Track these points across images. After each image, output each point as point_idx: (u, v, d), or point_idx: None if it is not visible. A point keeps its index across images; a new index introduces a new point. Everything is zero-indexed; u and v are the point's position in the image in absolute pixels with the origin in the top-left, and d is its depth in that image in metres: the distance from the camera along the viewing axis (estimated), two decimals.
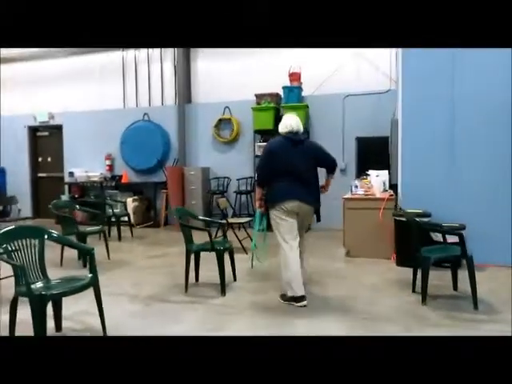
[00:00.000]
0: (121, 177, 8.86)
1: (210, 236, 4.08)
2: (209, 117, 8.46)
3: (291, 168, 3.63)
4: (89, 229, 5.52)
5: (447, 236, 4.48)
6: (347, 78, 7.65)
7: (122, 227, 7.07)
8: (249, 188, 8.09)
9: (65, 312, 3.24)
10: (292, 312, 3.57)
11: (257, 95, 7.84)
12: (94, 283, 3.03)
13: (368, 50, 7.40)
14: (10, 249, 2.89)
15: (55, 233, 3.17)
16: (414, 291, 4.01)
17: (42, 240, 3.09)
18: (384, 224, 5.29)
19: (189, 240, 4.24)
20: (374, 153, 7.05)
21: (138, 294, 4.16)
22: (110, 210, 7.04)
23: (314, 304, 3.77)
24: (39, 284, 2.93)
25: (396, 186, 6.36)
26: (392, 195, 5.50)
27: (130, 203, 8.23)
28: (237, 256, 4.65)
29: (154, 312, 3.67)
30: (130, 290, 4.32)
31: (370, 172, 6.22)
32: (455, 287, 4.03)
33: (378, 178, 6.11)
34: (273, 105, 7.67)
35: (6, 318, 2.87)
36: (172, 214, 8.31)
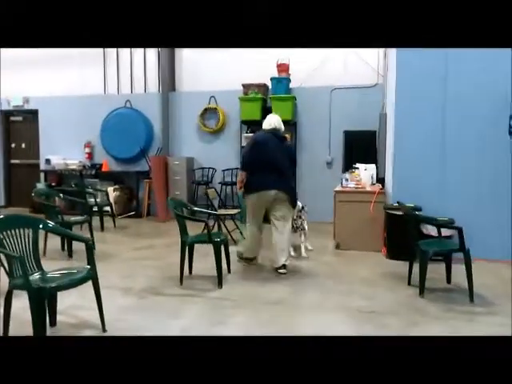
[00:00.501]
0: (101, 165, 8.56)
1: (208, 228, 3.99)
2: (194, 106, 8.27)
3: (272, 159, 4.23)
4: (73, 218, 5.30)
5: (431, 230, 4.59)
6: (334, 71, 7.64)
7: (103, 217, 6.85)
8: (234, 179, 7.98)
9: (58, 306, 3.09)
10: (294, 309, 3.54)
11: (244, 85, 7.72)
12: (93, 276, 2.89)
13: None
14: (1, 238, 2.71)
15: (50, 223, 3.00)
16: (409, 284, 4.06)
17: (36, 230, 2.92)
18: (374, 217, 5.34)
19: (184, 232, 4.12)
20: (361, 146, 7.08)
21: (130, 287, 4.02)
22: (92, 200, 6.78)
23: (312, 298, 3.76)
24: (36, 276, 2.77)
25: (383, 179, 6.45)
26: (382, 189, 5.54)
27: (111, 193, 7.97)
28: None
29: (151, 306, 3.55)
30: (120, 283, 4.17)
31: (359, 165, 6.26)
32: (449, 280, 4.11)
33: (366, 172, 6.16)
34: (260, 95, 7.58)
35: None
36: (154, 204, 8.13)
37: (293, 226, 4.98)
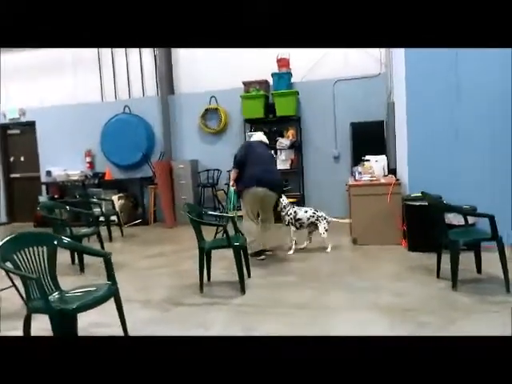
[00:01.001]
0: (104, 174, 8.38)
1: (227, 232, 3.82)
2: (194, 107, 8.09)
3: (262, 160, 4.89)
4: (83, 231, 5.12)
5: (452, 219, 4.44)
6: (336, 63, 7.46)
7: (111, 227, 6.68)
8: None
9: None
10: (323, 311, 3.38)
11: (245, 83, 7.54)
12: (116, 293, 2.72)
13: None
14: (16, 259, 2.54)
15: (65, 239, 2.83)
16: (438, 277, 3.91)
17: (52, 247, 2.75)
18: (391, 209, 5.18)
19: (200, 237, 3.96)
20: (369, 138, 6.91)
21: (149, 299, 3.85)
22: (98, 210, 6.60)
23: (339, 298, 3.60)
24: (55, 297, 2.60)
25: (395, 170, 6.30)
26: (398, 180, 5.39)
27: (116, 201, 7.80)
28: None
29: (175, 317, 3.39)
30: (137, 294, 4.01)
31: (369, 157, 6.09)
32: (479, 270, 3.96)
33: (377, 163, 6.00)
34: (262, 92, 7.41)
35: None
36: (160, 210, 7.95)
37: (287, 221, 5.24)
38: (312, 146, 7.70)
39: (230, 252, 3.95)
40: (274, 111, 7.40)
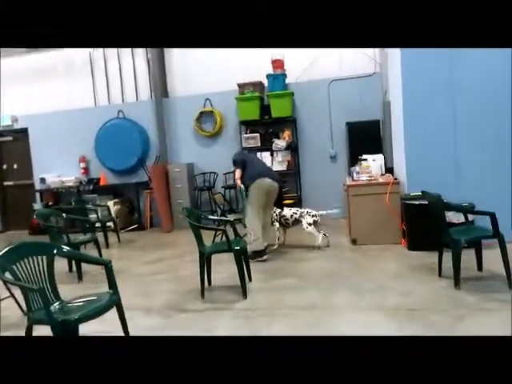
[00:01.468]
0: (99, 179, 8.30)
1: (227, 236, 3.78)
2: (189, 110, 8.05)
3: (259, 161, 5.58)
4: (81, 238, 5.06)
5: (452, 217, 4.45)
6: (330, 63, 7.45)
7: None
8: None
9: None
10: (328, 312, 3.35)
11: (239, 84, 7.51)
12: (118, 302, 2.68)
13: None
14: (16, 269, 2.49)
15: (65, 247, 2.78)
16: (440, 275, 3.90)
17: (51, 256, 2.70)
18: (390, 209, 5.18)
19: (200, 241, 3.92)
20: (365, 137, 6.92)
21: (150, 306, 3.80)
22: (94, 216, 6.53)
23: (343, 298, 3.58)
24: (56, 307, 2.55)
25: (392, 169, 6.30)
26: (396, 179, 5.38)
27: (112, 207, 7.72)
28: None
29: (179, 324, 3.34)
30: (138, 301, 3.95)
31: (366, 157, 6.09)
32: (480, 268, 3.95)
33: (374, 163, 6.00)
34: (257, 94, 7.38)
35: None
36: (156, 215, 7.89)
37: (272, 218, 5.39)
38: (308, 146, 7.68)
39: (227, 256, 3.92)
40: (269, 112, 7.38)
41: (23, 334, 2.50)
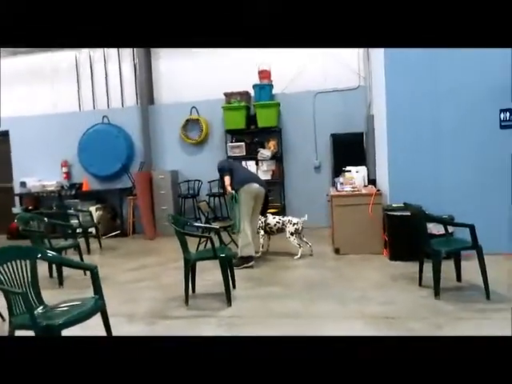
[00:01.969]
0: (81, 185, 8.19)
1: (213, 243, 3.79)
2: (174, 118, 8.05)
3: (245, 168, 5.96)
4: (62, 243, 4.98)
5: (432, 228, 4.57)
6: (316, 75, 7.59)
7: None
8: (221, 190, 7.78)
9: None
10: (312, 320, 3.39)
11: (226, 94, 7.56)
12: (103, 307, 2.66)
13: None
14: None
15: (50, 252, 2.75)
16: (420, 285, 3.99)
17: (34, 261, 2.67)
18: (373, 219, 5.27)
19: (185, 249, 3.92)
20: (349, 149, 7.04)
21: (133, 313, 3.77)
22: (76, 221, 6.44)
23: (326, 307, 3.63)
24: (40, 312, 2.51)
25: (374, 180, 6.42)
26: (379, 190, 5.49)
27: (94, 212, 7.63)
28: None
29: (163, 331, 3.32)
30: (122, 308, 3.91)
31: (350, 168, 6.20)
32: (459, 278, 4.06)
33: (358, 174, 6.12)
34: (244, 103, 7.45)
35: None
36: (139, 221, 7.82)
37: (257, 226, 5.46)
38: (293, 156, 7.77)
39: (211, 263, 3.93)
40: (255, 122, 7.45)
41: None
